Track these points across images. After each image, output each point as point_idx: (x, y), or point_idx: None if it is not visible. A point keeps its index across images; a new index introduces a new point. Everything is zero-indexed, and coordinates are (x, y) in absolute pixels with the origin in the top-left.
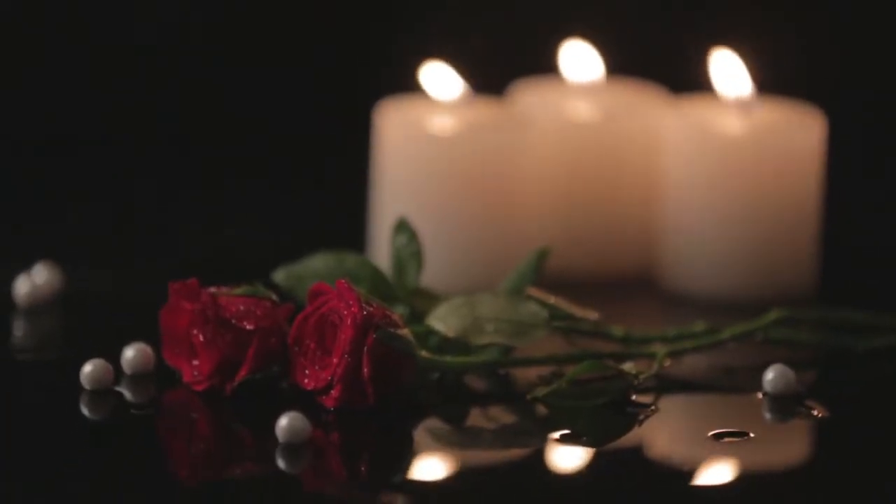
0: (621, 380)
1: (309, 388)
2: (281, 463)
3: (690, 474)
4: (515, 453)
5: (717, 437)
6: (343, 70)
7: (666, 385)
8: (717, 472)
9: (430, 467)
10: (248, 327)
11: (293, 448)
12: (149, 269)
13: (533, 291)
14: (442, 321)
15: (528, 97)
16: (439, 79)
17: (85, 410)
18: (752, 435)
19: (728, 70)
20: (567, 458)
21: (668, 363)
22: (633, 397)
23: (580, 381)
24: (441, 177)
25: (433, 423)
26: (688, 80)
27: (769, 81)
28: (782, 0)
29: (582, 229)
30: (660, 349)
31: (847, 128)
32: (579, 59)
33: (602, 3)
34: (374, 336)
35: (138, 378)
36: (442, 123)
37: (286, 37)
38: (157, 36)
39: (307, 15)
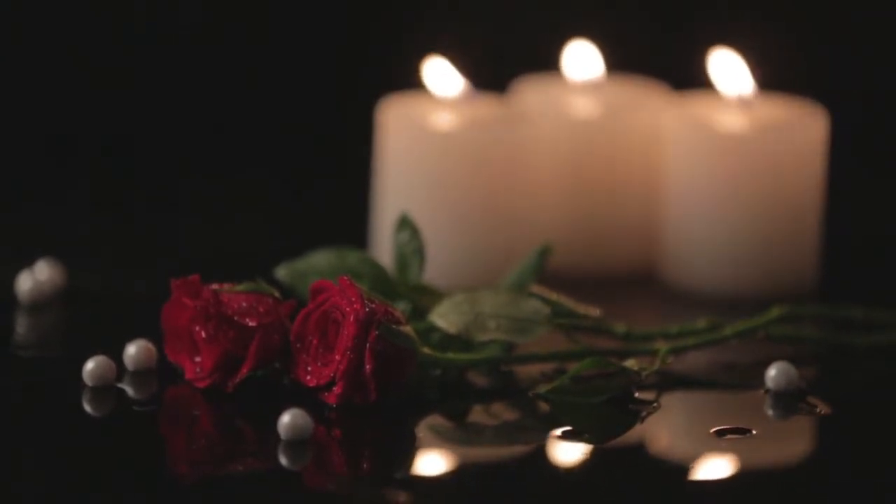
0: (623, 376)
1: (311, 384)
2: (283, 459)
3: (692, 471)
4: (517, 450)
5: (719, 433)
6: (345, 66)
7: (668, 382)
8: (718, 469)
9: (432, 464)
10: (250, 324)
11: (295, 445)
12: (151, 265)
13: (535, 288)
14: (444, 318)
15: (530, 94)
16: (442, 76)
17: (87, 407)
18: (754, 432)
19: (729, 68)
20: (569, 454)
21: (670, 360)
22: (636, 394)
23: (582, 378)
24: (443, 174)
25: (435, 419)
26: (689, 76)
27: (771, 78)
28: None
29: (584, 226)
30: (662, 346)
31: (849, 124)
32: (581, 58)
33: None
34: (377, 333)
35: (140, 375)
36: (444, 120)
37: (287, 34)
38: (157, 33)
39: (309, 11)
